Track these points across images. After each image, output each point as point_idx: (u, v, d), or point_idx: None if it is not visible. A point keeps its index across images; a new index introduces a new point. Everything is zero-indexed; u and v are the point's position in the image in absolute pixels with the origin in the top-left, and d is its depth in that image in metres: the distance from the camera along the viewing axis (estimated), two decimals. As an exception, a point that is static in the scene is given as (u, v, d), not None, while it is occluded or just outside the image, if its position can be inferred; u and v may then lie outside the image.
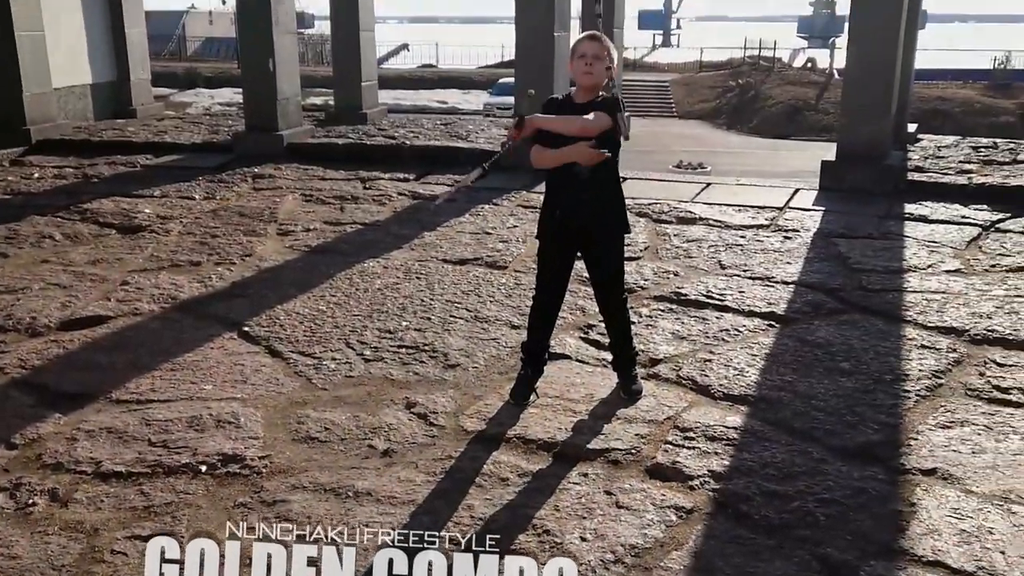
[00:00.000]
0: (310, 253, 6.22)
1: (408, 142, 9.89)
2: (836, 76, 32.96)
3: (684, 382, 4.10)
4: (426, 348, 4.49)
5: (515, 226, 6.79)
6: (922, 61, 14.12)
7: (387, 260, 5.97)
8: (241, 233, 6.64)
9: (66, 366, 4.32)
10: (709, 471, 3.30)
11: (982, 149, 9.55)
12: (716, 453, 3.44)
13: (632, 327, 4.12)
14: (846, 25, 8.66)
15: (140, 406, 3.85)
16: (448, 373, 4.20)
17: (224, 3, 58.20)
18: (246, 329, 4.75)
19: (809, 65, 42.40)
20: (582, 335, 4.63)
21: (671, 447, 3.48)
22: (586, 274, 4.06)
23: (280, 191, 8.03)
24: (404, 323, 4.83)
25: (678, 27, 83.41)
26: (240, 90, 11.38)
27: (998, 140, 10.55)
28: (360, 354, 4.42)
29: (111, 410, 3.82)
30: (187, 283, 5.52)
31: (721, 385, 4.05)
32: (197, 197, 7.82)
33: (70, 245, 6.41)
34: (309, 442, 3.55)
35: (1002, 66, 36.83)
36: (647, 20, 77.41)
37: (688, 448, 3.47)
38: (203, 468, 3.32)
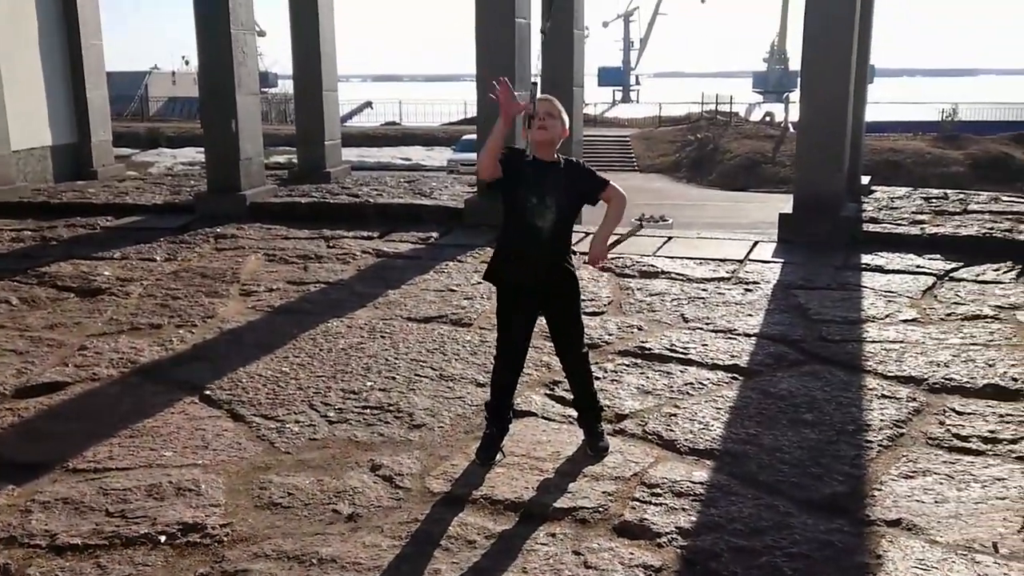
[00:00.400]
0: (273, 313, 6.18)
1: (372, 200, 9.92)
2: (791, 130, 33.89)
3: (650, 437, 4.11)
4: (391, 408, 4.45)
5: (479, 283, 6.80)
6: (873, 114, 14.55)
7: (351, 319, 5.94)
8: (203, 294, 6.58)
9: (21, 435, 4.22)
10: (677, 528, 3.29)
11: (934, 200, 9.81)
12: (683, 509, 3.44)
13: (596, 382, 4.13)
14: (799, 80, 8.89)
15: (98, 475, 3.76)
16: (413, 433, 4.17)
17: (187, 63, 58.58)
18: (208, 393, 4.69)
19: (768, 119, 43.54)
20: (548, 392, 4.63)
21: (638, 504, 3.47)
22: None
23: (243, 251, 7.99)
24: (368, 383, 4.79)
25: (637, 83, 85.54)
26: (203, 149, 11.38)
27: (948, 191, 10.86)
28: (324, 416, 4.37)
29: (67, 480, 3.72)
30: (147, 347, 5.44)
31: (687, 440, 4.06)
32: (158, 259, 7.75)
33: (27, 310, 6.31)
34: (272, 508, 3.48)
35: (949, 118, 38.23)
36: (607, 76, 79.32)
37: (655, 504, 3.46)
38: (162, 538, 3.24)
